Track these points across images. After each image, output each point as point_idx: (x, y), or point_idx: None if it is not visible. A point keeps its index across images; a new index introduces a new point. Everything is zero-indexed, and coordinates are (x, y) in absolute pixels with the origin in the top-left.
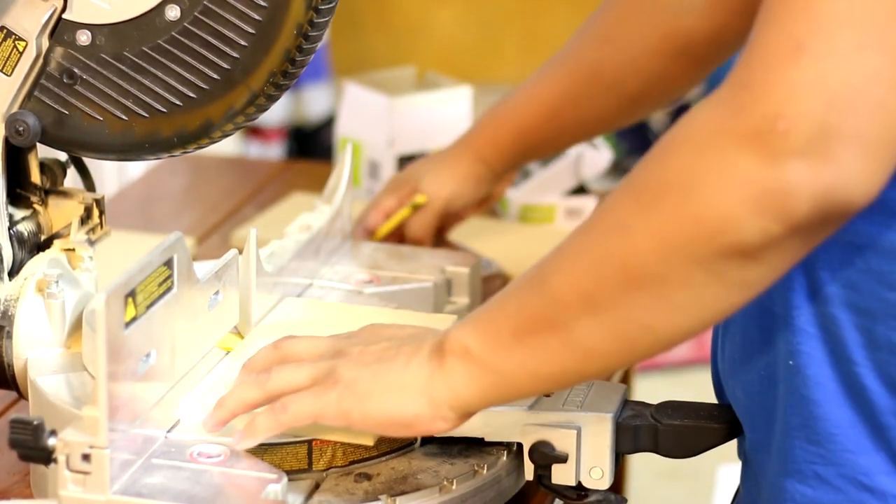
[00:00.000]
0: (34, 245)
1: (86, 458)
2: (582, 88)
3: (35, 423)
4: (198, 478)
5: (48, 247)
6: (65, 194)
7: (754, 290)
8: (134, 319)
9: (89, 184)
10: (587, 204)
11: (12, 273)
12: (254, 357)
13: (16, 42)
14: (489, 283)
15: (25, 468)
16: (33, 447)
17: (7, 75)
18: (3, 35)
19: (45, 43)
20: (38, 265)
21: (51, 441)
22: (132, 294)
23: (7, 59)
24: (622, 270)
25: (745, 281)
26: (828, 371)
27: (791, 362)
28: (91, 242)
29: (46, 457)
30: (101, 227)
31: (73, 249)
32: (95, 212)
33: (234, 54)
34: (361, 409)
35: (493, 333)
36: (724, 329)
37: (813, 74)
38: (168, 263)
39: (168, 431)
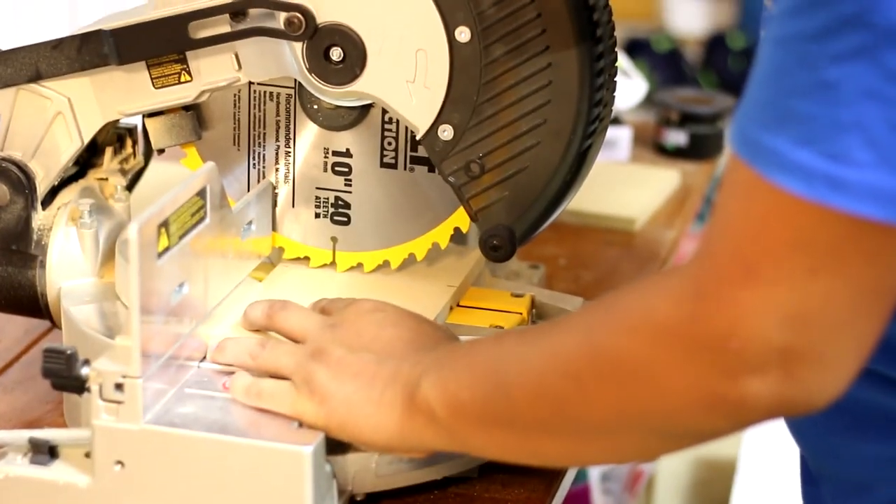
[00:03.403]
0: (67, 174)
1: (119, 387)
2: None
3: (68, 352)
4: (230, 407)
5: (81, 176)
6: None
7: (706, 441)
8: (167, 249)
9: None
10: (621, 135)
11: (45, 203)
12: (251, 311)
13: None
14: None
15: (58, 397)
16: (66, 376)
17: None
18: None
19: None
20: (70, 194)
21: (84, 370)
22: (165, 224)
23: None
24: (575, 419)
25: (697, 442)
26: None
27: None
28: (124, 172)
29: (79, 386)
30: (135, 156)
31: (107, 179)
32: (129, 141)
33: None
34: (337, 425)
35: (460, 411)
36: None
37: (765, 299)
38: (201, 193)
39: (200, 361)
